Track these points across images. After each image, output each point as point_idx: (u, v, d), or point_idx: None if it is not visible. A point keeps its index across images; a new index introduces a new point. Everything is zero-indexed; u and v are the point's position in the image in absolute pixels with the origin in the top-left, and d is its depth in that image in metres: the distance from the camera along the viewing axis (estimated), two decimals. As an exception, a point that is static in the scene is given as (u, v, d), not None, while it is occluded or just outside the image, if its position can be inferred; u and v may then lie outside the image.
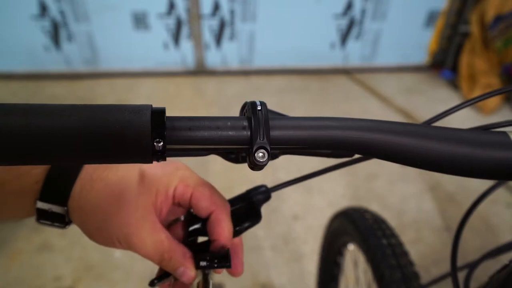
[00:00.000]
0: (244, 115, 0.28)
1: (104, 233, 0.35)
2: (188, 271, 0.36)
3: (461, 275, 0.43)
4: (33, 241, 1.33)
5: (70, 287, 1.20)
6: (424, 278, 0.64)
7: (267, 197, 0.42)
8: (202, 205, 0.37)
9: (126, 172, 0.35)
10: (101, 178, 0.35)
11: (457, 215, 1.47)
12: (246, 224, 0.40)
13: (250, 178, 1.58)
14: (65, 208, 0.34)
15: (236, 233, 0.39)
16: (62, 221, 0.34)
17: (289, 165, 1.65)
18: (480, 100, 0.33)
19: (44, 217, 0.34)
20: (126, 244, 0.35)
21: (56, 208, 0.34)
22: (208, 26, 2.19)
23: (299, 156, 0.35)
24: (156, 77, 2.30)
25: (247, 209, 0.40)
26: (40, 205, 0.33)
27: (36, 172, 0.34)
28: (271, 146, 0.26)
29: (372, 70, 2.42)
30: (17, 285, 1.21)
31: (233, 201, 0.41)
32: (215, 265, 0.37)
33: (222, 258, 0.37)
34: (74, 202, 0.34)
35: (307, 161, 1.65)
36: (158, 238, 0.35)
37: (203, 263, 0.37)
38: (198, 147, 0.26)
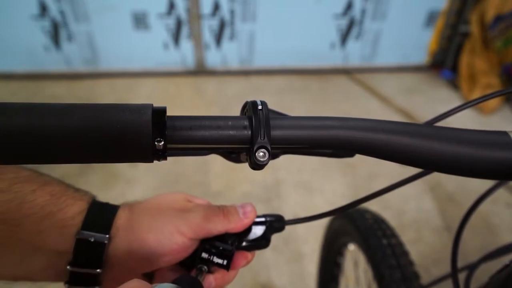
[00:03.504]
0: (245, 115, 0.28)
1: (160, 227, 0.36)
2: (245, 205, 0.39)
3: (461, 276, 0.43)
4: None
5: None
6: (424, 278, 0.64)
7: (280, 227, 0.42)
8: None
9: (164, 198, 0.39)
10: (140, 203, 0.38)
11: (457, 215, 1.47)
12: (253, 243, 0.40)
13: (250, 178, 1.58)
14: (108, 236, 0.35)
15: (242, 248, 0.39)
16: (99, 256, 0.34)
17: (289, 165, 1.65)
18: (482, 101, 0.33)
19: (82, 252, 0.34)
20: (188, 225, 0.36)
21: (98, 237, 0.34)
22: (208, 26, 2.19)
23: (300, 156, 0.35)
24: (156, 77, 2.29)
25: (257, 230, 0.41)
26: (83, 235, 0.34)
27: (79, 204, 0.35)
28: (272, 146, 0.26)
29: (372, 70, 2.42)
30: (17, 285, 1.21)
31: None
32: (214, 260, 0.36)
33: (224, 255, 0.37)
34: (117, 229, 0.36)
35: (307, 161, 1.65)
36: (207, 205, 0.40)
37: (204, 255, 0.37)
38: (198, 147, 0.26)
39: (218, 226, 0.37)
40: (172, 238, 0.36)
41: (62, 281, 0.36)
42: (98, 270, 0.34)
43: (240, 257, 0.39)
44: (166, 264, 0.37)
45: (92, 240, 0.34)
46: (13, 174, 0.33)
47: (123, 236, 0.35)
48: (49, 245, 0.34)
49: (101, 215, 0.36)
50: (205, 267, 0.37)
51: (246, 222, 0.39)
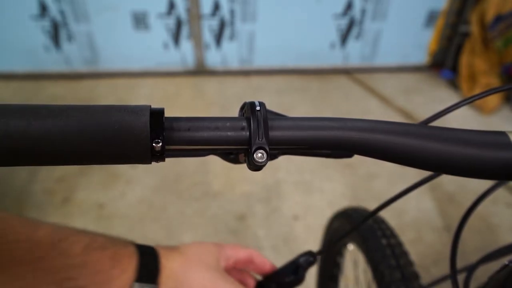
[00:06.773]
0: (243, 116, 0.28)
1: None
2: None
3: (460, 277, 0.43)
4: (33, 241, 1.33)
5: (70, 287, 1.20)
6: (424, 278, 0.64)
7: (312, 262, 0.47)
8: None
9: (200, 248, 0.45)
10: (179, 254, 0.44)
11: (457, 215, 1.47)
12: (287, 280, 0.45)
13: (250, 178, 1.58)
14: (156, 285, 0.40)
15: (279, 286, 0.45)
16: None
17: (289, 165, 1.65)
18: (478, 99, 0.33)
19: None
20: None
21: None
22: (208, 26, 2.19)
23: (299, 156, 0.35)
24: (156, 77, 2.29)
25: (292, 269, 0.46)
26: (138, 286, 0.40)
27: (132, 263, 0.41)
28: (270, 147, 0.26)
29: (372, 70, 2.42)
30: None
31: (282, 268, 0.47)
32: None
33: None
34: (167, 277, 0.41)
35: (307, 161, 1.65)
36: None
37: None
38: (197, 148, 0.26)
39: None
40: None
41: None
42: None
43: None
44: None
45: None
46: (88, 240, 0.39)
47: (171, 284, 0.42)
48: None
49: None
50: None
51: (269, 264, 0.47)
